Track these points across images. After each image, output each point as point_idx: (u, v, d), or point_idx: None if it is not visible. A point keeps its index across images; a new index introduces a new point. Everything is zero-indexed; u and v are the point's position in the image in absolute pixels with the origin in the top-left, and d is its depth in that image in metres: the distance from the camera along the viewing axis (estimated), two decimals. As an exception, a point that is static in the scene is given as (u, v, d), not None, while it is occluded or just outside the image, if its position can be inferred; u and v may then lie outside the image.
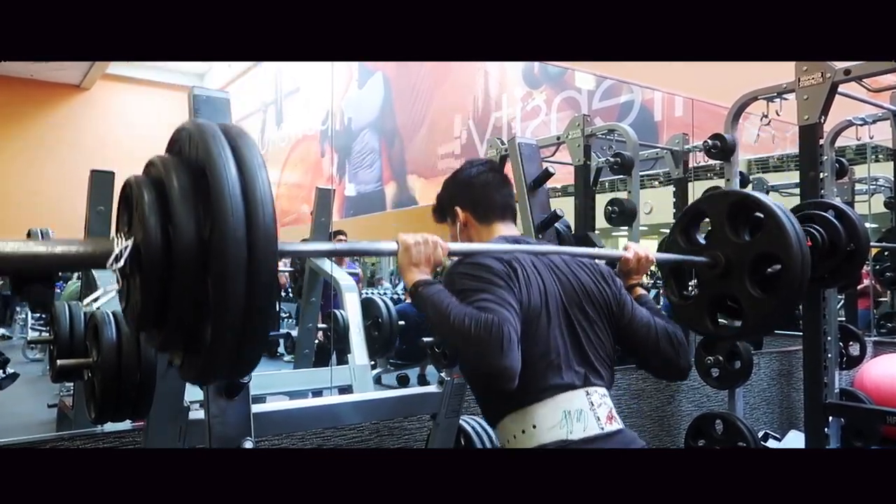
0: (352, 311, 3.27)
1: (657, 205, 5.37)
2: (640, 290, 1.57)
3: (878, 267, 6.28)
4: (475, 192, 1.53)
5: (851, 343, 4.23)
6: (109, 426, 2.29)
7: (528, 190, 2.32)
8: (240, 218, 0.94)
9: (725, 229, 1.65)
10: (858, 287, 6.12)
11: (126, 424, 2.30)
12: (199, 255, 0.96)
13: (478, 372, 1.26)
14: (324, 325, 3.58)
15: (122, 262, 0.99)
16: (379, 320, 3.30)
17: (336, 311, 3.43)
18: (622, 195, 4.01)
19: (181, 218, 0.97)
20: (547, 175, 2.31)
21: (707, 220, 1.74)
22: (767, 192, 5.54)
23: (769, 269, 1.59)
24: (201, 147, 0.99)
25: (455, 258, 1.42)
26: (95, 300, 1.10)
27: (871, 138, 3.97)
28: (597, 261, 1.52)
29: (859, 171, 7.18)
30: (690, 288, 1.86)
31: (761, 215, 1.61)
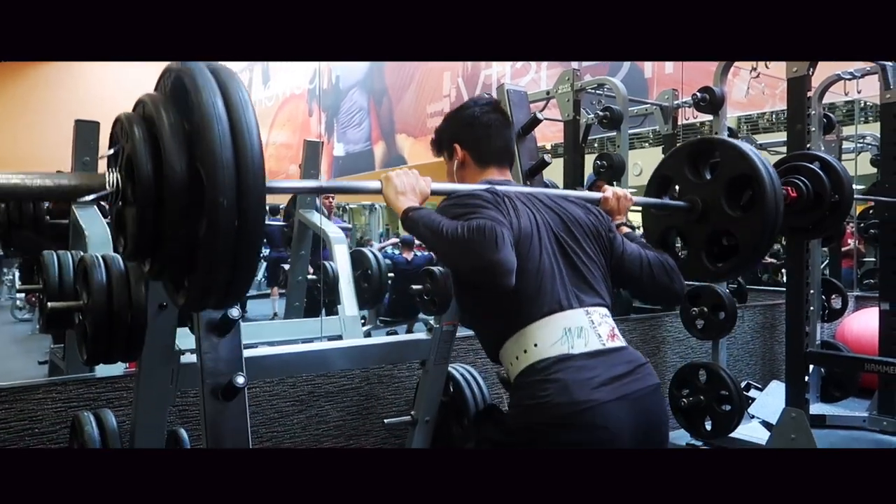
0: (341, 263, 3.29)
1: (646, 166, 5.38)
2: (626, 229, 1.59)
3: (862, 224, 6.35)
4: (477, 133, 1.52)
5: (834, 296, 4.30)
6: (102, 372, 2.31)
7: (516, 137, 2.32)
8: (227, 147, 0.97)
9: (689, 178, 1.73)
10: (843, 249, 6.22)
11: (119, 370, 2.33)
12: (189, 184, 0.99)
13: (476, 274, 1.23)
14: (313, 276, 3.60)
15: (114, 188, 1.01)
16: (368, 272, 3.32)
17: (326, 262, 3.44)
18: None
19: (171, 149, 0.99)
20: (535, 121, 2.31)
21: (673, 182, 1.81)
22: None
23: (743, 199, 1.66)
24: (189, 83, 1.00)
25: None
26: None
27: (859, 92, 3.97)
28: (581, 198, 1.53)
29: (847, 132, 7.21)
30: (679, 250, 1.94)
31: (717, 151, 1.69)
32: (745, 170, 1.62)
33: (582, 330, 1.31)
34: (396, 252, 6.16)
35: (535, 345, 1.30)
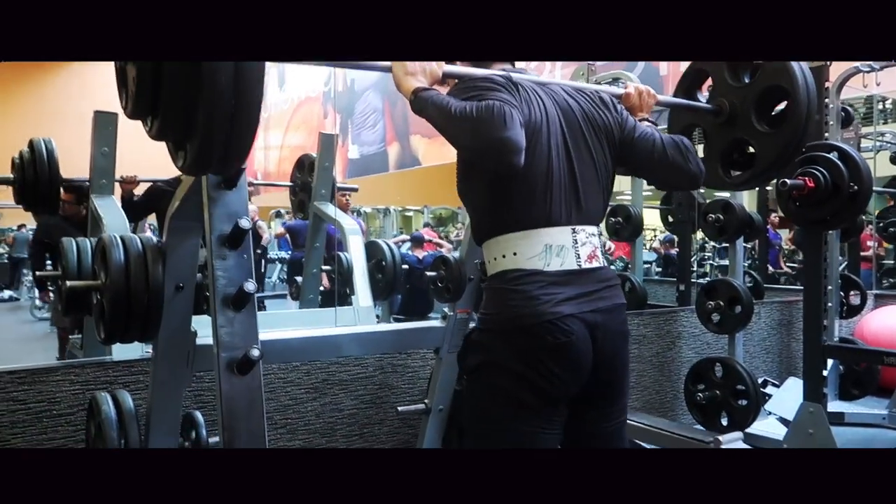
0: (356, 254, 3.30)
1: None
2: (647, 125, 1.53)
3: (881, 224, 6.29)
4: None
5: (853, 292, 4.26)
6: (119, 355, 2.34)
7: None
8: None
9: (726, 76, 1.64)
10: (862, 253, 6.16)
11: (135, 353, 2.35)
12: None
13: (485, 153, 1.25)
14: (328, 268, 3.61)
15: None
16: (382, 263, 3.32)
17: (340, 253, 3.45)
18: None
19: None
20: None
21: (709, 79, 1.74)
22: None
23: (773, 112, 1.59)
24: None
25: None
26: None
27: (878, 84, 3.93)
28: (599, 91, 1.50)
29: (866, 132, 7.12)
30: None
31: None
32: (783, 83, 1.53)
33: (563, 249, 1.35)
34: (408, 251, 6.17)
35: (515, 253, 1.35)
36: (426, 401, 2.57)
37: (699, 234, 7.38)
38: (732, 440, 1.64)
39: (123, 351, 2.33)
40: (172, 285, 1.85)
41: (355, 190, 4.73)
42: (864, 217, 5.01)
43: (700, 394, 3.37)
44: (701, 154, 1.81)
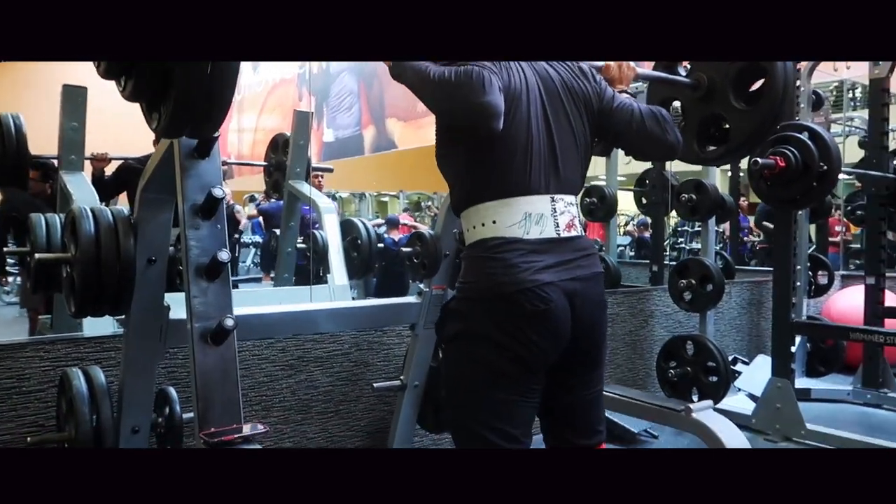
0: (331, 233, 3.28)
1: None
2: (626, 96, 1.54)
3: (849, 208, 6.42)
4: None
5: (821, 272, 4.35)
6: (90, 330, 2.31)
7: None
8: None
9: None
10: (830, 238, 6.30)
11: (107, 329, 2.32)
12: None
13: (464, 117, 1.27)
14: (303, 245, 3.59)
15: None
16: (358, 241, 3.31)
17: (315, 231, 3.43)
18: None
19: None
20: None
21: None
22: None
23: (750, 89, 1.61)
24: None
25: None
26: None
27: (848, 69, 4.00)
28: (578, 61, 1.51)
29: (836, 117, 7.25)
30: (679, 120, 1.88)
31: None
32: (763, 62, 1.55)
33: (542, 217, 1.36)
34: (384, 234, 6.15)
35: (494, 221, 1.35)
36: (402, 377, 2.58)
37: (672, 221, 7.46)
38: (703, 408, 1.67)
39: (94, 327, 2.29)
40: (145, 258, 1.83)
41: (330, 170, 4.69)
42: (832, 200, 5.11)
43: (672, 370, 3.43)
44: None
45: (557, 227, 1.37)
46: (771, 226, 5.66)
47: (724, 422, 1.65)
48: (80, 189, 2.73)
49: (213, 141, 1.55)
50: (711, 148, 1.79)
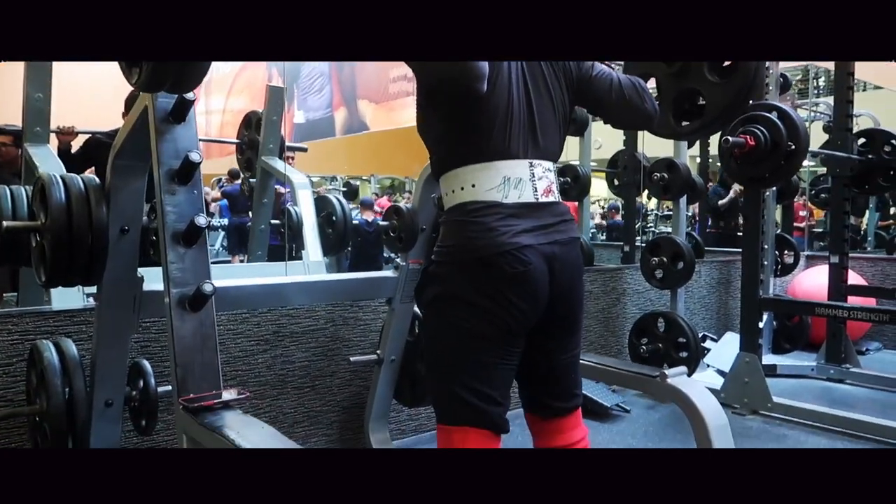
0: (305, 209, 3.25)
1: (606, 141, 5.45)
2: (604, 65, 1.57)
3: (813, 192, 6.58)
4: None
5: (787, 252, 4.45)
6: (59, 304, 2.26)
7: None
8: None
9: None
10: (794, 223, 6.45)
11: (77, 302, 2.28)
12: None
13: (447, 79, 1.27)
14: (276, 221, 3.55)
15: None
16: (333, 218, 3.29)
17: (290, 207, 3.40)
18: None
19: None
20: None
21: None
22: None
23: (725, 62, 1.63)
24: None
25: None
26: None
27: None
28: None
29: (801, 102, 7.41)
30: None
31: None
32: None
33: (520, 181, 1.37)
34: (357, 214, 6.12)
35: (473, 185, 1.36)
36: (378, 351, 2.58)
37: (645, 206, 7.53)
38: (678, 374, 1.70)
39: (64, 299, 2.25)
40: (117, 227, 1.79)
41: (304, 149, 4.64)
42: (799, 181, 5.22)
43: (644, 347, 3.49)
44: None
45: (536, 191, 1.38)
46: (724, 201, 5.78)
47: (698, 387, 1.68)
48: (46, 162, 2.65)
49: (188, 105, 1.53)
50: (686, 123, 1.81)
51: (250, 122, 4.05)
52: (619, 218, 8.45)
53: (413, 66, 1.31)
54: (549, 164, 1.44)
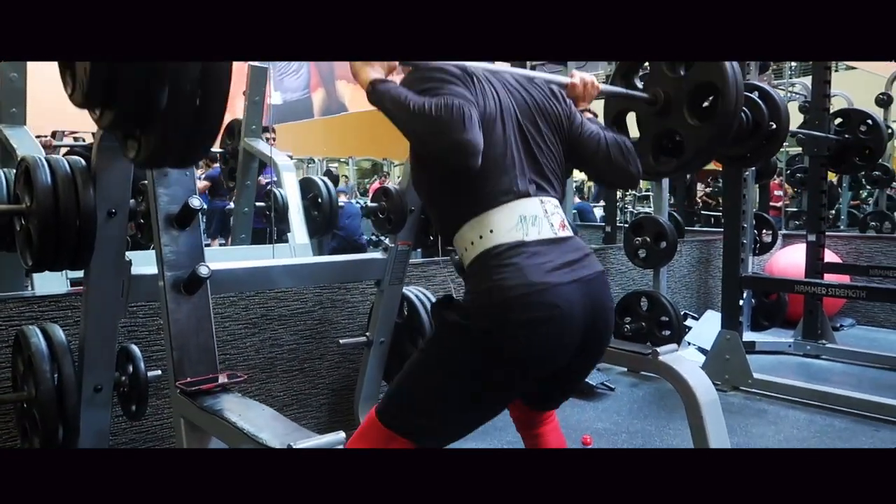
0: (291, 191, 3.22)
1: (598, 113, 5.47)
2: (589, 115, 1.59)
3: (789, 171, 6.67)
4: None
5: (765, 231, 4.52)
6: (42, 289, 2.22)
7: None
8: None
9: (663, 66, 1.70)
10: (771, 203, 6.54)
11: (62, 288, 2.24)
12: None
13: (442, 153, 1.23)
14: (262, 204, 3.51)
15: None
16: (318, 200, 3.26)
17: (275, 189, 3.37)
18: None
19: None
20: None
21: (646, 64, 1.79)
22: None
23: (705, 104, 1.66)
24: None
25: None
26: None
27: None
28: (548, 82, 1.53)
29: (778, 83, 7.49)
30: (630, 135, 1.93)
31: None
32: (716, 80, 1.60)
33: (536, 218, 1.34)
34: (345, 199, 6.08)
35: (491, 231, 1.32)
36: (367, 333, 2.58)
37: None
38: (669, 351, 1.73)
39: (47, 284, 2.21)
40: (105, 210, 1.76)
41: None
42: (776, 161, 5.29)
43: (627, 325, 3.53)
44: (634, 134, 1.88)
45: (553, 227, 1.36)
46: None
47: (689, 364, 1.71)
48: (24, 144, 2.60)
49: None
50: (665, 160, 1.82)
51: (233, 132, 3.94)
52: (578, 200, 8.56)
53: (407, 135, 1.27)
54: (556, 202, 1.42)
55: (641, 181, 2.23)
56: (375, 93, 1.26)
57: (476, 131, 1.20)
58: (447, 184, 1.36)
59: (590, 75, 1.62)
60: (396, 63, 1.31)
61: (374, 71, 1.28)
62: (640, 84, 1.82)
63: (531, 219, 1.33)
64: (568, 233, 1.38)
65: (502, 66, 1.46)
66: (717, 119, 1.62)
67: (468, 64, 1.36)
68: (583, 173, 1.55)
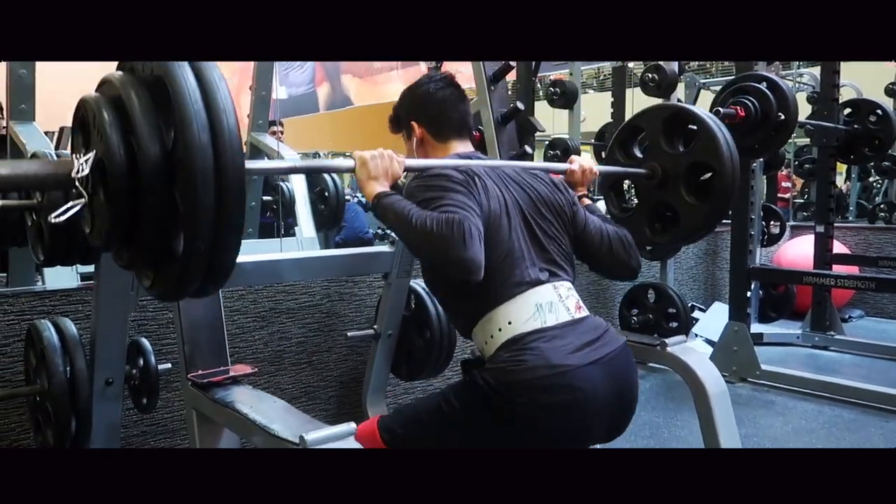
0: (297, 185, 3.23)
1: (590, 114, 5.47)
2: (587, 200, 1.63)
3: (797, 162, 6.64)
4: (432, 109, 1.53)
5: (773, 222, 4.51)
6: (53, 283, 2.24)
7: (487, 84, 2.28)
8: (203, 126, 0.90)
9: (661, 142, 1.71)
10: (779, 194, 6.52)
11: (73, 282, 2.26)
12: (164, 166, 0.92)
13: (444, 268, 1.28)
14: (269, 198, 3.52)
15: (85, 171, 0.93)
16: (325, 194, 3.27)
17: (282, 183, 3.38)
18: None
19: (143, 129, 0.91)
20: (507, 68, 2.28)
21: (644, 134, 1.79)
22: (698, 91, 5.67)
23: (702, 178, 1.67)
24: (157, 63, 0.94)
25: (412, 175, 1.44)
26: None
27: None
28: (548, 171, 1.58)
29: (786, 73, 7.44)
30: (629, 199, 1.95)
31: (694, 127, 1.65)
32: (712, 163, 1.61)
33: (552, 304, 1.36)
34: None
35: (510, 322, 1.33)
36: (375, 326, 2.59)
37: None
38: (677, 342, 1.73)
39: (58, 279, 2.23)
40: (114, 205, 1.77)
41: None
42: (784, 152, 5.27)
43: (634, 318, 3.54)
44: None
45: (569, 310, 1.37)
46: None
47: (698, 355, 1.71)
48: (34, 140, 2.60)
49: None
50: (662, 230, 1.83)
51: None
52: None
53: (410, 249, 1.30)
54: (569, 284, 1.43)
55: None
56: (380, 206, 1.29)
57: (477, 248, 1.21)
58: (460, 286, 1.35)
59: (588, 160, 1.65)
60: (400, 172, 1.34)
61: (380, 184, 1.31)
62: (637, 152, 1.82)
63: (547, 305, 1.35)
64: (584, 313, 1.40)
65: (503, 162, 1.50)
66: (713, 198, 1.64)
67: (470, 163, 1.39)
68: (584, 263, 1.57)
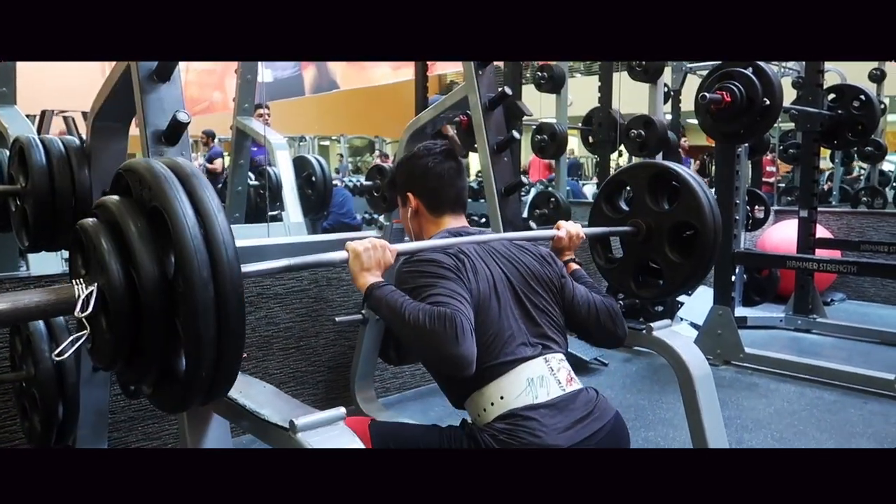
0: (284, 170, 3.21)
1: (577, 99, 5.47)
2: (574, 266, 1.65)
3: (781, 147, 6.69)
4: (430, 183, 1.54)
5: (758, 207, 4.55)
6: (38, 269, 2.22)
7: (475, 68, 2.26)
8: (204, 262, 0.92)
9: (646, 199, 1.74)
10: (763, 178, 6.56)
11: (58, 268, 2.25)
12: (164, 293, 0.95)
13: (437, 364, 1.31)
14: (255, 182, 3.50)
15: (89, 310, 0.95)
16: (312, 179, 3.26)
17: (269, 168, 3.35)
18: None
19: (143, 259, 0.94)
20: (503, 96, 2.26)
21: (628, 188, 1.83)
22: (685, 76, 5.68)
23: (685, 234, 1.71)
24: (155, 190, 0.95)
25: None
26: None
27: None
28: (537, 244, 1.59)
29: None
30: (614, 252, 1.97)
31: (678, 185, 1.70)
32: (695, 222, 1.66)
33: (543, 378, 1.37)
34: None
35: (501, 397, 1.35)
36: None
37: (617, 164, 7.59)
38: (663, 326, 1.76)
39: (42, 265, 2.21)
40: (100, 190, 1.76)
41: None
42: (769, 137, 5.31)
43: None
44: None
45: (560, 383, 1.38)
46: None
47: (683, 339, 1.74)
48: (16, 124, 2.58)
49: (173, 66, 1.50)
50: (647, 284, 1.87)
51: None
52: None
53: (402, 340, 1.30)
54: (560, 356, 1.44)
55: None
56: (372, 298, 1.29)
57: (469, 343, 1.22)
58: None
59: (575, 226, 1.68)
60: (391, 260, 1.34)
61: (372, 275, 1.31)
62: (623, 205, 1.85)
63: (538, 380, 1.36)
64: (576, 386, 1.41)
65: (491, 236, 1.51)
66: (696, 255, 1.69)
67: (459, 241, 1.41)
68: (571, 332, 1.58)
